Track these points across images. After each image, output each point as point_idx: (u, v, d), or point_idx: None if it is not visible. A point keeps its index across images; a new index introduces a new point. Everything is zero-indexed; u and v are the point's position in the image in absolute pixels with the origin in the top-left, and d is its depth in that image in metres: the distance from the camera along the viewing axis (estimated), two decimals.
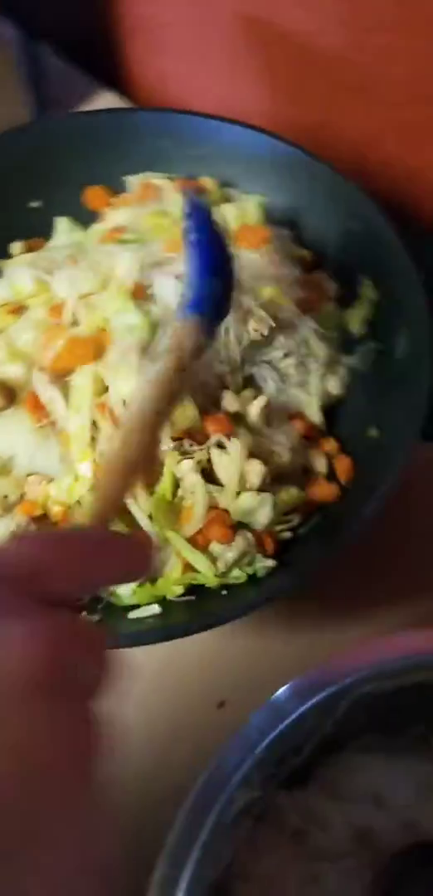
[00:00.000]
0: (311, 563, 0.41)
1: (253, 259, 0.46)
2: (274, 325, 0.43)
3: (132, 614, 0.40)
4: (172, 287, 0.43)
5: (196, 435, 0.41)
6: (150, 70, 0.78)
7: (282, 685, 0.34)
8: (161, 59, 0.76)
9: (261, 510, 0.41)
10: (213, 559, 0.40)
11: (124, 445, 0.30)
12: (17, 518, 0.41)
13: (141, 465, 0.31)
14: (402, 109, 0.59)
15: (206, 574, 0.39)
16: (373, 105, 0.61)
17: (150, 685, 0.44)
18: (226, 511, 0.40)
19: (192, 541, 0.40)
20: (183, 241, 0.39)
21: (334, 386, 0.45)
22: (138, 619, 0.40)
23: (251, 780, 0.32)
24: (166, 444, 0.41)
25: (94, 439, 0.42)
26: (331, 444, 0.45)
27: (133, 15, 0.75)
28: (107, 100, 0.78)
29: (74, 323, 0.43)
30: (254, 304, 0.43)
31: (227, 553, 0.40)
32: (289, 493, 0.42)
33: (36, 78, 0.75)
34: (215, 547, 0.40)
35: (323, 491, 0.43)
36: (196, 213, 0.39)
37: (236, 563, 0.40)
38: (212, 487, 0.41)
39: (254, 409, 0.42)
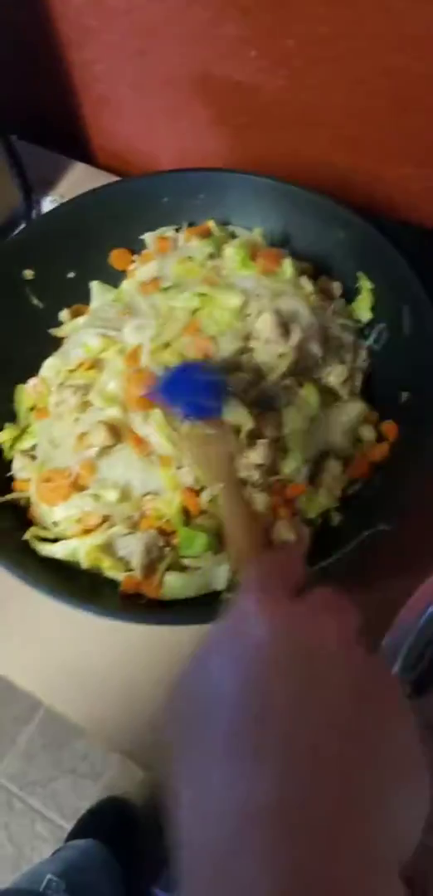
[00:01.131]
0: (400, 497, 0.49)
1: (281, 285, 0.56)
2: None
3: None
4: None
5: None
6: (116, 138, 0.88)
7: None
8: (124, 127, 0.86)
9: None
10: None
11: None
12: (147, 534, 0.50)
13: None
14: (343, 129, 0.71)
15: None
16: (317, 129, 0.73)
17: None
18: None
19: None
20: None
21: (363, 365, 0.57)
22: None
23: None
24: None
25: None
26: (373, 415, 0.55)
27: (93, 93, 0.84)
28: (80, 171, 0.87)
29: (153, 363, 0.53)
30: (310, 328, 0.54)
31: None
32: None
33: (17, 165, 0.83)
34: None
35: (376, 452, 0.53)
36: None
37: None
38: None
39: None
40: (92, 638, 0.55)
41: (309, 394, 0.52)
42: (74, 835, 1.37)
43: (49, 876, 1.04)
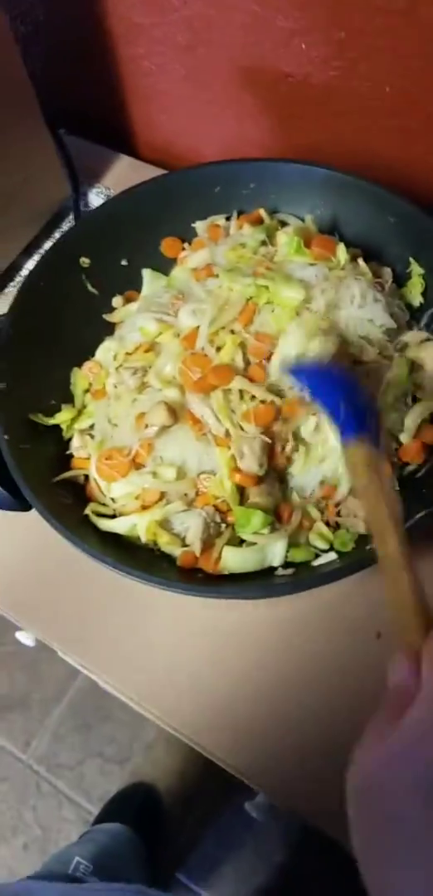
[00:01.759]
0: None
1: (341, 273, 0.58)
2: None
3: (316, 562, 0.51)
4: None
5: None
6: (161, 131, 0.89)
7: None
8: (170, 120, 0.88)
9: None
10: None
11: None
12: (205, 509, 0.52)
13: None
14: (392, 119, 0.72)
15: None
16: (365, 120, 0.74)
17: (317, 623, 0.55)
18: None
19: None
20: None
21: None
22: (323, 565, 0.50)
23: None
24: None
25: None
26: None
27: (141, 87, 0.86)
28: (125, 164, 0.89)
29: (210, 345, 0.54)
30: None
31: None
32: None
33: (66, 158, 0.85)
34: None
35: (429, 435, 0.54)
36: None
37: None
38: None
39: None
40: (140, 612, 0.57)
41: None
42: (101, 819, 1.40)
43: (77, 858, 1.06)
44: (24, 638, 1.25)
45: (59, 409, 0.61)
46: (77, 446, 0.59)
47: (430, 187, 0.73)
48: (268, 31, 0.70)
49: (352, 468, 0.38)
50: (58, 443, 0.60)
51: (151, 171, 0.87)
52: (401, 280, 0.63)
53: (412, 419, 0.54)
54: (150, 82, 0.85)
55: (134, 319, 0.60)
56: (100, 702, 1.50)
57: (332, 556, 0.51)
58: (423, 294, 0.61)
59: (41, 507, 0.51)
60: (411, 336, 0.58)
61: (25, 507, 0.52)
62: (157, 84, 0.85)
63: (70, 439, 0.60)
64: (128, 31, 0.81)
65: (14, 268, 0.81)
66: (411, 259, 0.61)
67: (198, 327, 0.55)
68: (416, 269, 0.61)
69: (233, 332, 0.55)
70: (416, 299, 0.61)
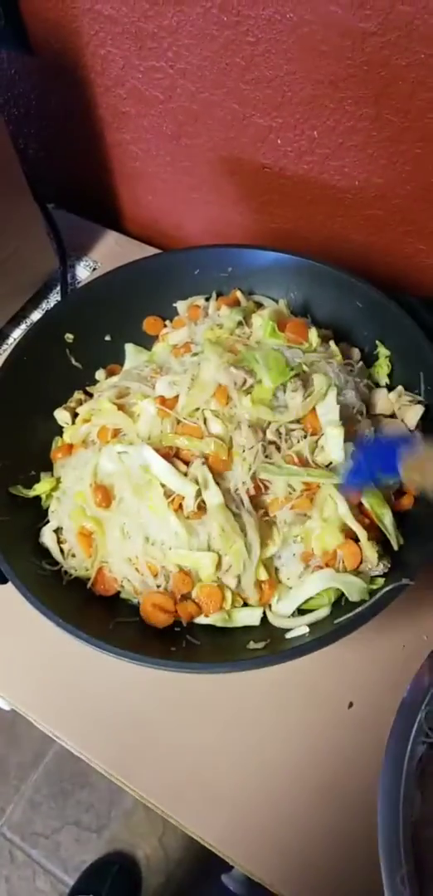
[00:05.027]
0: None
1: (313, 356, 0.61)
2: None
3: (288, 635, 0.52)
4: None
5: None
6: (147, 210, 0.94)
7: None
8: (155, 200, 0.92)
9: None
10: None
11: None
12: None
13: None
14: (361, 209, 0.77)
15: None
16: (336, 208, 0.79)
17: (289, 693, 0.56)
18: None
19: None
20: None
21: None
22: (296, 638, 0.52)
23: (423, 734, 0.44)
24: None
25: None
26: None
27: (128, 169, 0.91)
28: (112, 239, 0.94)
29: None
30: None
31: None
32: None
33: (54, 232, 0.89)
34: None
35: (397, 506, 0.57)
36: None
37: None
38: None
39: None
40: (112, 681, 0.58)
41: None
42: (76, 890, 1.35)
43: None
44: (2, 702, 1.23)
45: (37, 480, 0.62)
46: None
47: (396, 274, 0.77)
48: (247, 127, 0.75)
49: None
50: (36, 513, 0.62)
51: (138, 247, 0.92)
52: (368, 360, 0.66)
53: None
54: (137, 166, 0.90)
55: (119, 384, 0.63)
56: (77, 766, 1.47)
57: (304, 629, 0.52)
58: (389, 375, 0.64)
59: (18, 581, 0.52)
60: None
61: (2, 580, 0.53)
62: (143, 167, 0.90)
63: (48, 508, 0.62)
64: (115, 118, 0.86)
65: (1, 336, 0.84)
66: (378, 342, 0.65)
67: (176, 396, 0.58)
68: (383, 351, 0.64)
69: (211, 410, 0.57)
70: (383, 379, 0.64)
